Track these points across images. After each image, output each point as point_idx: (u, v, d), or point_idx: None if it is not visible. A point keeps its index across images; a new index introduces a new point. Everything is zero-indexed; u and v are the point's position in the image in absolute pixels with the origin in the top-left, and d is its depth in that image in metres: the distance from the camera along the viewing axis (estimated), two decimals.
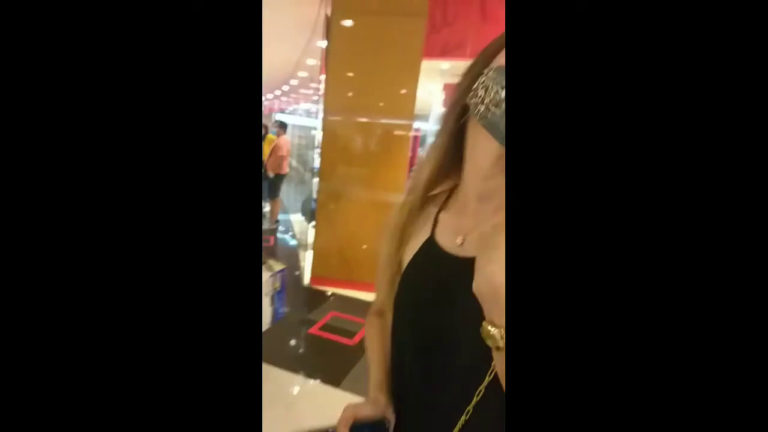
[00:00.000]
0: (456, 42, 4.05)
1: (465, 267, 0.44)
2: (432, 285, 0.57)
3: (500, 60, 0.48)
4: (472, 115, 0.49)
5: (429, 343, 0.56)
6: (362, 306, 3.36)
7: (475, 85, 0.48)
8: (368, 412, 0.59)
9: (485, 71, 0.48)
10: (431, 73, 4.91)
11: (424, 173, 0.58)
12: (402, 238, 0.62)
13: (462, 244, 0.55)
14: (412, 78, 3.37)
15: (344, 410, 0.59)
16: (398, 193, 3.81)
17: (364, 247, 3.66)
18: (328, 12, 3.52)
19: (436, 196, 0.61)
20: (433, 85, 5.75)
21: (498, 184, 0.42)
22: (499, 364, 0.39)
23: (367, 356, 0.70)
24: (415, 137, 6.30)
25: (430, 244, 0.58)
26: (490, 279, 0.37)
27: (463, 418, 0.51)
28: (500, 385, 0.39)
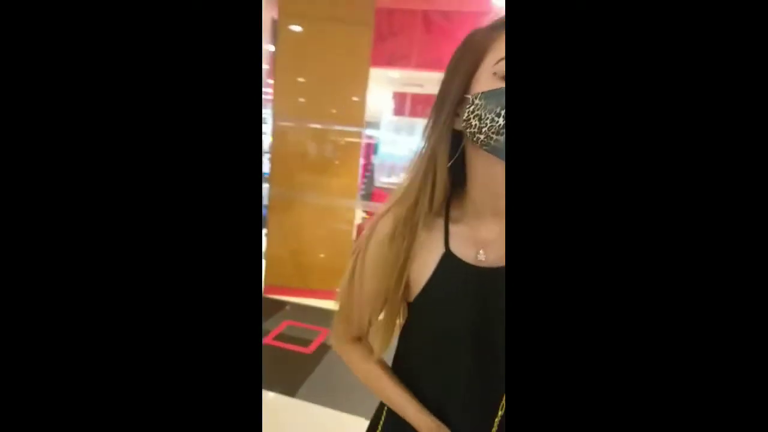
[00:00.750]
0: (402, 52, 4.18)
1: (493, 277, 0.55)
2: (465, 298, 0.58)
3: (479, 85, 0.52)
4: (470, 141, 0.53)
5: (482, 352, 0.58)
6: (318, 314, 3.32)
7: (466, 116, 0.53)
8: None
9: (471, 99, 0.52)
10: (380, 81, 4.98)
11: (420, 185, 0.58)
12: (399, 252, 0.59)
13: (483, 256, 0.58)
14: (361, 85, 3.40)
15: None
16: (351, 200, 3.81)
17: (322, 255, 3.62)
18: (275, 16, 3.47)
19: (429, 207, 0.59)
20: (382, 93, 5.83)
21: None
22: None
23: (379, 386, 0.66)
24: (368, 144, 6.44)
25: (450, 258, 0.58)
26: None
27: (500, 413, 0.57)
28: None
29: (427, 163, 0.57)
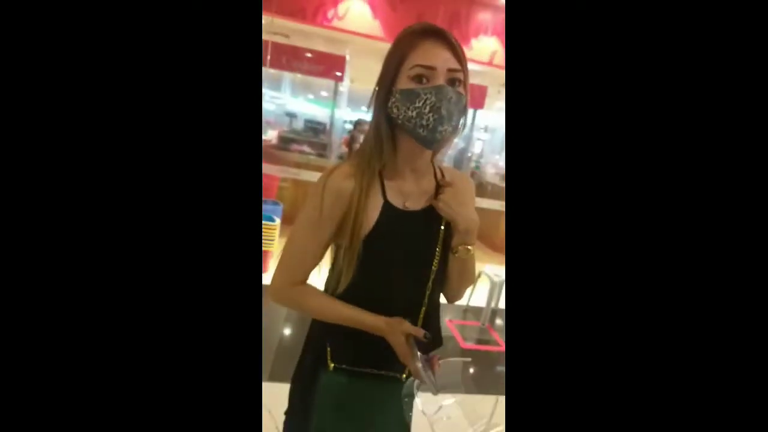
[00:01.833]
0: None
1: (417, 218, 0.80)
2: (401, 235, 0.79)
3: (400, 82, 0.72)
4: (395, 124, 0.75)
5: (422, 266, 0.81)
6: None
7: (390, 104, 0.74)
8: (410, 330, 0.75)
9: (393, 92, 0.73)
10: None
11: (374, 154, 0.76)
12: (353, 202, 0.75)
13: (408, 203, 0.80)
14: None
15: (394, 343, 0.76)
16: None
17: None
18: None
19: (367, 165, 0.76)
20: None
21: (424, 163, 0.80)
22: (465, 263, 0.81)
23: (335, 310, 0.79)
24: None
25: (388, 207, 0.78)
26: (473, 220, 0.78)
27: (427, 293, 0.82)
28: (444, 264, 0.81)
29: (374, 131, 0.77)
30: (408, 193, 0.81)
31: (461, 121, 0.76)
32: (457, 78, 0.73)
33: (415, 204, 0.81)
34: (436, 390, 0.73)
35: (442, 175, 0.86)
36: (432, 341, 0.77)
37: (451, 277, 0.85)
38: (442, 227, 0.82)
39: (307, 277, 0.83)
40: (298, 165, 4.36)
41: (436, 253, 0.82)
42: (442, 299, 0.90)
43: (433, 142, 0.73)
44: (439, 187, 0.82)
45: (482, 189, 5.45)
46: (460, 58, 0.73)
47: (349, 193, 0.76)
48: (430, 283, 0.82)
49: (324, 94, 7.21)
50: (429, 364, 0.75)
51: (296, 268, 0.81)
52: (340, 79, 4.88)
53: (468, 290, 0.93)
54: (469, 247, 0.80)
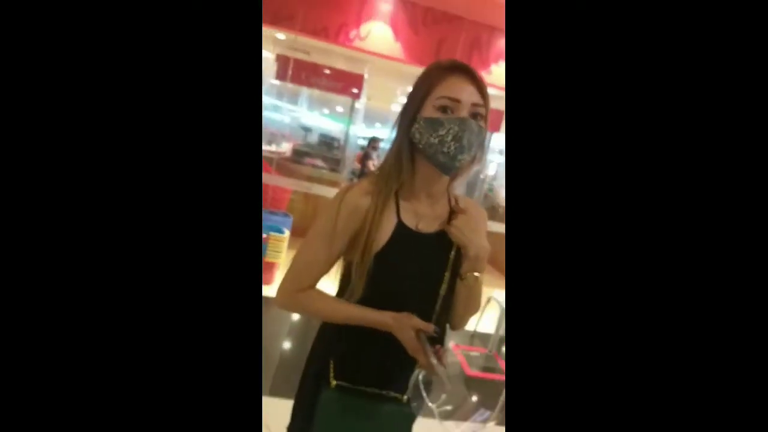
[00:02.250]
0: (287, 12, 4.18)
1: (430, 240, 0.81)
2: (414, 253, 0.80)
3: (425, 111, 0.76)
4: (416, 148, 0.78)
5: (431, 289, 0.82)
6: None
7: (413, 129, 0.77)
8: (419, 325, 0.76)
9: (418, 118, 0.76)
10: (265, 41, 5.55)
11: (393, 174, 0.79)
12: (367, 218, 0.77)
13: (422, 225, 0.82)
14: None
15: (403, 338, 0.76)
16: None
17: None
18: None
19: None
20: (265, 54, 4.86)
21: (440, 189, 0.82)
22: (472, 290, 0.81)
23: (342, 311, 0.80)
24: None
25: (402, 227, 0.80)
26: (484, 247, 0.78)
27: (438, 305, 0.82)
28: (452, 290, 0.81)
29: (395, 153, 0.80)
30: (422, 216, 0.83)
31: (479, 152, 0.80)
32: (479, 112, 0.77)
33: (428, 227, 0.83)
34: (449, 382, 0.73)
35: (456, 202, 0.88)
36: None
37: (457, 303, 0.85)
38: (453, 253, 0.83)
39: (314, 285, 0.85)
40: (310, 179, 4.38)
41: (445, 278, 0.82)
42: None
43: (452, 169, 0.77)
44: (452, 213, 0.84)
45: (494, 212, 5.40)
46: (484, 93, 0.77)
47: (365, 209, 0.79)
48: (437, 307, 0.82)
49: (340, 110, 7.30)
50: (437, 356, 0.74)
51: (304, 275, 0.83)
52: (357, 96, 4.94)
53: (476, 315, 0.92)
54: (477, 274, 0.81)
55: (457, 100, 0.75)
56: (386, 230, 0.80)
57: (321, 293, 0.85)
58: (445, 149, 0.75)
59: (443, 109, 0.75)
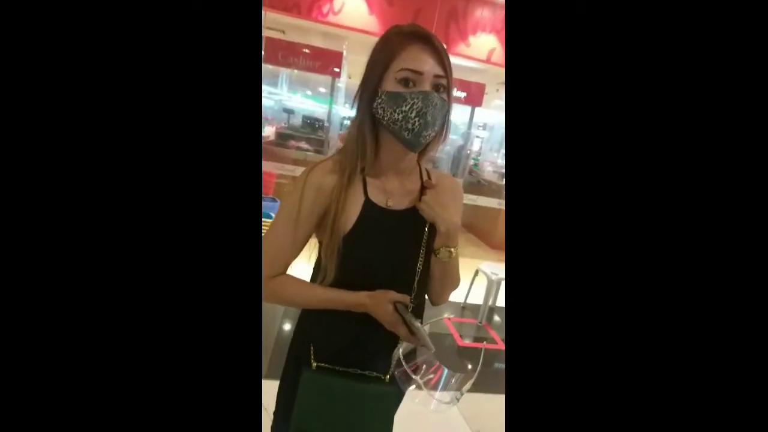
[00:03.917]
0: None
1: (399, 217, 0.79)
2: (383, 233, 0.78)
3: (386, 84, 0.73)
4: (380, 123, 0.76)
5: (406, 266, 0.81)
6: None
7: (375, 105, 0.74)
8: (396, 297, 0.76)
9: (379, 93, 0.73)
10: None
11: (356, 152, 0.77)
12: (332, 200, 0.76)
13: (391, 202, 0.80)
14: None
15: (381, 314, 0.75)
16: None
17: None
18: None
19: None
20: None
21: (409, 165, 0.81)
22: (447, 265, 0.80)
23: (317, 295, 0.79)
24: None
25: (370, 204, 0.78)
26: (455, 222, 0.76)
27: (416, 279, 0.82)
28: (429, 265, 0.80)
29: (357, 129, 0.77)
30: (391, 192, 0.81)
31: (444, 125, 0.78)
32: (442, 84, 0.74)
33: (398, 203, 0.81)
34: (432, 348, 0.72)
35: (428, 177, 0.86)
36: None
37: (433, 279, 0.84)
38: (426, 229, 0.81)
39: (285, 271, 0.83)
40: (296, 162, 4.34)
41: (421, 254, 0.81)
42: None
43: (417, 145, 0.75)
44: (423, 189, 0.82)
45: (480, 187, 5.45)
46: (445, 64, 0.74)
47: (330, 188, 0.77)
48: (415, 285, 0.81)
49: (322, 90, 7.17)
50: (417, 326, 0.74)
51: (274, 261, 0.80)
52: (338, 74, 4.86)
53: (465, 288, 0.93)
54: (451, 249, 0.80)
55: (420, 72, 0.71)
56: (354, 209, 0.78)
57: (293, 279, 0.83)
58: (410, 125, 0.72)
59: (405, 81, 0.72)
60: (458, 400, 0.74)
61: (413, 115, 0.72)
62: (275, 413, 0.92)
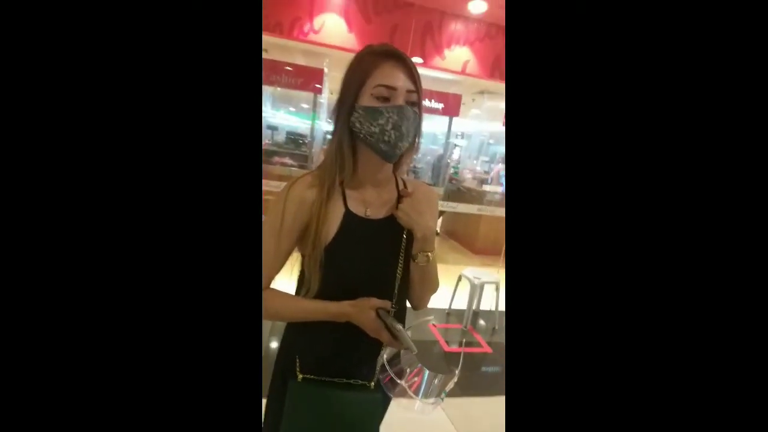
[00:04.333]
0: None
1: (378, 226, 0.83)
2: (365, 240, 0.82)
3: (363, 99, 0.77)
4: (357, 137, 0.80)
5: (387, 273, 0.84)
6: None
7: (353, 118, 0.78)
8: (378, 304, 0.78)
9: (356, 107, 0.77)
10: None
11: (335, 165, 0.81)
12: (313, 212, 0.79)
13: (369, 212, 0.84)
14: None
15: (364, 321, 0.78)
16: None
17: None
18: None
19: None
20: None
21: (385, 175, 0.85)
22: (425, 270, 0.84)
23: (301, 308, 0.82)
24: None
25: (350, 215, 0.82)
26: (430, 228, 0.81)
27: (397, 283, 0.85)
28: (407, 270, 0.84)
29: (336, 143, 0.81)
30: (370, 203, 0.85)
31: (417, 138, 0.84)
32: (413, 99, 0.79)
33: (376, 213, 0.85)
34: (414, 350, 0.75)
35: (405, 186, 0.91)
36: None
37: (413, 283, 0.88)
38: (405, 236, 0.85)
39: (268, 285, 0.85)
40: (281, 177, 4.40)
41: (400, 260, 0.85)
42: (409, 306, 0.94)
43: (393, 156, 0.80)
44: (400, 197, 0.86)
45: (460, 194, 5.57)
46: (416, 80, 0.79)
47: (311, 201, 0.80)
48: (395, 290, 0.85)
49: (305, 106, 7.24)
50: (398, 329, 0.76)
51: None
52: (319, 90, 4.95)
53: (450, 294, 0.96)
54: (429, 254, 0.84)
55: (394, 88, 0.76)
56: (335, 220, 0.81)
57: (278, 292, 0.85)
58: (386, 138, 0.77)
59: (380, 97, 0.77)
60: (442, 399, 0.77)
61: (389, 127, 0.76)
62: (263, 427, 0.94)
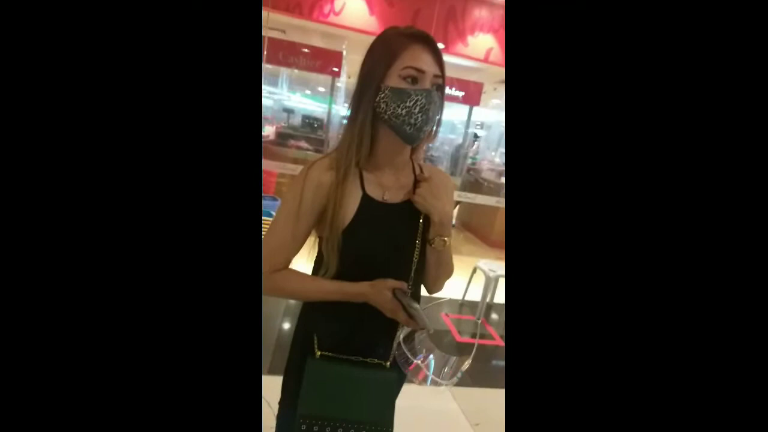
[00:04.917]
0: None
1: (396, 210, 0.83)
2: (380, 226, 0.83)
3: (390, 80, 0.76)
4: (380, 117, 0.79)
5: (403, 257, 0.85)
6: None
7: (377, 99, 0.77)
8: (395, 285, 0.80)
9: (383, 88, 0.77)
10: None
11: (352, 147, 0.80)
12: (331, 195, 0.79)
13: (387, 196, 0.84)
14: None
15: (381, 302, 0.79)
16: None
17: None
18: None
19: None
20: None
21: (404, 159, 0.86)
22: (442, 254, 0.85)
23: (319, 288, 0.82)
24: None
25: (367, 199, 0.82)
26: (447, 213, 0.82)
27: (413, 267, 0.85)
28: (424, 256, 0.85)
29: (357, 124, 0.79)
30: (387, 186, 0.85)
31: (437, 124, 0.83)
32: (439, 83, 0.79)
33: (394, 197, 0.85)
34: (431, 329, 0.77)
35: (421, 171, 0.90)
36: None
37: (429, 267, 0.89)
38: (421, 220, 0.85)
39: (287, 265, 0.86)
40: (296, 161, 4.38)
41: (416, 245, 0.85)
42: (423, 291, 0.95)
43: (417, 139, 0.80)
44: (417, 182, 0.86)
45: (478, 185, 5.49)
46: (442, 65, 0.79)
47: (329, 184, 0.80)
48: (412, 273, 0.85)
49: (321, 89, 7.19)
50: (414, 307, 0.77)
51: (276, 256, 0.84)
52: (337, 74, 4.89)
53: (464, 285, 0.97)
54: (445, 238, 0.84)
55: (422, 71, 0.76)
56: (352, 203, 0.81)
57: (295, 273, 0.86)
58: (413, 120, 0.76)
59: (408, 79, 0.76)
60: (458, 378, 0.78)
61: (417, 110, 0.76)
62: (281, 402, 0.96)
